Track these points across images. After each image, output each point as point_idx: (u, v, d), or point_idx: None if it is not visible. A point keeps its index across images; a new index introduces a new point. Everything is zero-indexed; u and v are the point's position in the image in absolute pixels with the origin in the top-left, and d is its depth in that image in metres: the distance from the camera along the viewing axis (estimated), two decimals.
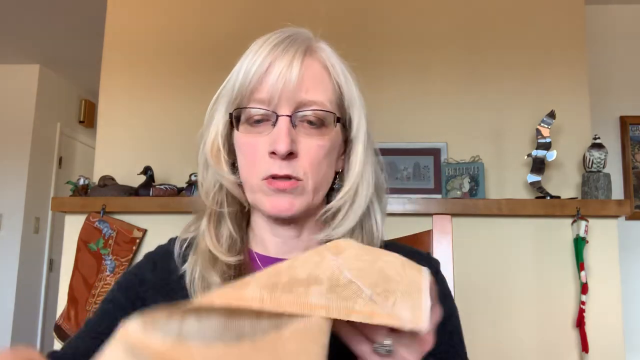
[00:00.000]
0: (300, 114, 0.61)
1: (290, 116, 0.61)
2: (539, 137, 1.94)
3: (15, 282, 3.67)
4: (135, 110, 2.21)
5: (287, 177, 0.61)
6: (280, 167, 0.60)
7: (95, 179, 2.10)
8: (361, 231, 0.66)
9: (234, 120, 0.64)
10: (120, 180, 2.08)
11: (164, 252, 0.72)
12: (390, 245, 0.70)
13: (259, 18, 2.20)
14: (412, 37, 2.20)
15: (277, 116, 0.61)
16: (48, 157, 4.08)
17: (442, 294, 0.66)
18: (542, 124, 1.95)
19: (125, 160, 2.16)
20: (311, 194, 0.63)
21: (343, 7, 2.23)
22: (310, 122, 0.62)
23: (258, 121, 0.62)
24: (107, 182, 2.02)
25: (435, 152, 2.10)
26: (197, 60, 2.21)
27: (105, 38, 2.28)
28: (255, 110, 0.62)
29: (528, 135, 2.08)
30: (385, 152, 2.19)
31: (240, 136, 0.64)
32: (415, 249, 0.71)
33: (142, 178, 2.02)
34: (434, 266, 0.68)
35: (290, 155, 0.60)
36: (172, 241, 0.73)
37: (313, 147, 0.62)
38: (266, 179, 0.61)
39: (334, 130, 0.64)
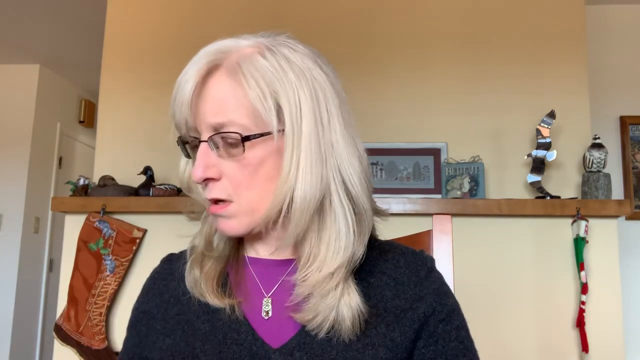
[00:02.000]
0: (216, 137, 0.60)
1: (206, 141, 0.60)
2: (539, 137, 1.94)
3: (15, 282, 3.67)
4: (135, 110, 2.21)
5: (219, 201, 0.62)
6: (208, 192, 0.62)
7: (95, 179, 2.10)
8: (321, 238, 0.60)
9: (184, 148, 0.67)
10: (120, 180, 2.08)
11: (161, 270, 0.73)
12: (384, 244, 0.70)
13: (259, 18, 2.20)
14: (412, 37, 2.20)
15: (199, 142, 0.62)
16: (48, 157, 4.08)
17: (437, 292, 0.65)
18: (542, 124, 1.95)
19: (125, 160, 2.16)
20: (250, 214, 0.61)
21: (343, 7, 2.23)
22: (229, 143, 0.60)
23: (194, 147, 0.64)
24: (107, 182, 2.02)
25: (435, 152, 2.10)
26: None
27: (105, 38, 2.28)
28: (191, 138, 0.64)
29: (528, 135, 2.08)
30: (385, 152, 2.21)
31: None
32: (409, 248, 0.70)
33: (142, 178, 2.03)
34: (427, 264, 0.67)
35: (212, 179, 0.61)
36: (169, 256, 0.75)
37: (234, 168, 0.60)
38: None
39: (258, 146, 0.59)
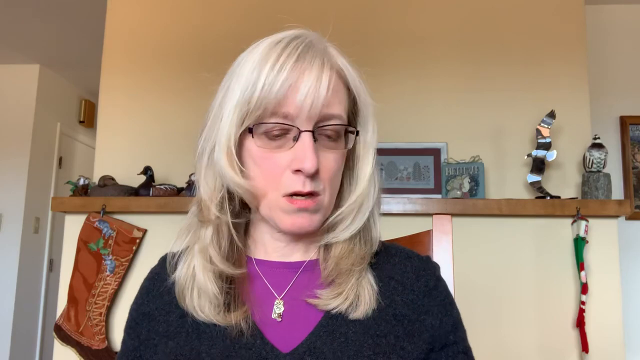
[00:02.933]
0: (320, 127, 0.60)
1: (312, 131, 0.59)
2: (539, 137, 1.94)
3: (15, 282, 3.67)
4: (135, 110, 2.21)
5: (310, 194, 0.60)
6: (305, 185, 0.59)
7: (95, 179, 2.10)
8: (361, 235, 0.66)
9: (250, 130, 0.61)
10: (120, 180, 2.08)
11: (160, 271, 0.71)
12: (390, 247, 0.70)
13: (260, 18, 2.21)
14: (412, 36, 2.20)
15: (300, 132, 0.59)
16: (48, 157, 4.08)
17: (444, 304, 0.66)
18: (542, 124, 1.95)
19: (125, 160, 2.16)
20: (328, 209, 0.63)
21: (343, 7, 2.23)
22: (328, 136, 0.61)
23: (277, 135, 0.60)
24: (107, 182, 2.02)
25: (435, 152, 2.10)
26: (198, 60, 2.21)
27: (105, 38, 2.28)
28: (273, 125, 0.59)
29: (528, 135, 2.08)
30: (385, 152, 2.20)
31: (258, 149, 0.60)
32: (414, 252, 0.70)
33: (142, 178, 2.02)
34: (435, 273, 0.67)
35: (315, 172, 0.59)
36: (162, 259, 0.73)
37: (331, 161, 0.61)
38: (286, 195, 0.60)
39: (348, 142, 0.64)
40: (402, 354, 0.60)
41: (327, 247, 0.65)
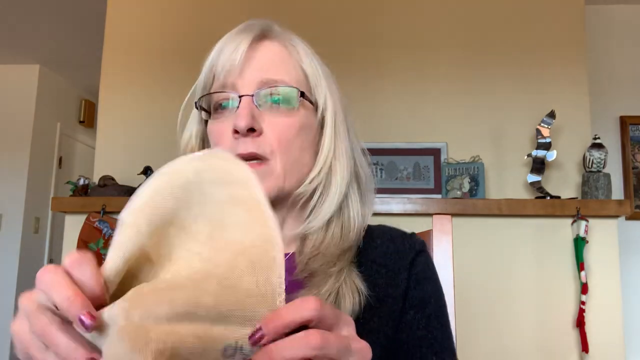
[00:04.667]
0: (263, 92, 0.60)
1: (252, 95, 0.59)
2: (539, 137, 1.94)
3: (15, 282, 3.67)
4: (135, 110, 2.21)
5: (253, 157, 0.58)
6: (245, 145, 0.58)
7: (95, 179, 2.10)
8: (339, 221, 0.63)
9: (205, 113, 0.64)
10: (120, 180, 2.08)
11: None
12: (374, 230, 0.68)
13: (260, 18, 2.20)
14: (412, 36, 2.20)
15: (240, 97, 0.60)
16: (48, 157, 4.08)
17: (417, 277, 0.63)
18: (542, 124, 1.95)
19: (125, 160, 2.16)
20: (282, 177, 0.60)
21: (343, 8, 2.23)
22: (275, 102, 0.60)
23: (224, 107, 0.61)
24: (107, 182, 2.02)
25: (435, 152, 2.10)
26: (197, 60, 2.21)
27: (105, 38, 2.28)
28: (217, 95, 0.62)
29: (528, 135, 2.08)
30: (385, 152, 2.20)
31: (209, 125, 0.63)
32: (399, 231, 0.68)
33: (142, 178, 2.02)
34: (415, 247, 0.65)
35: (254, 132, 0.58)
36: None
37: (279, 124, 0.60)
38: None
39: (302, 110, 0.62)
40: (386, 343, 0.59)
41: (304, 239, 0.63)
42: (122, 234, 0.36)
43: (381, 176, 2.10)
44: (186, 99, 0.67)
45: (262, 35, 0.63)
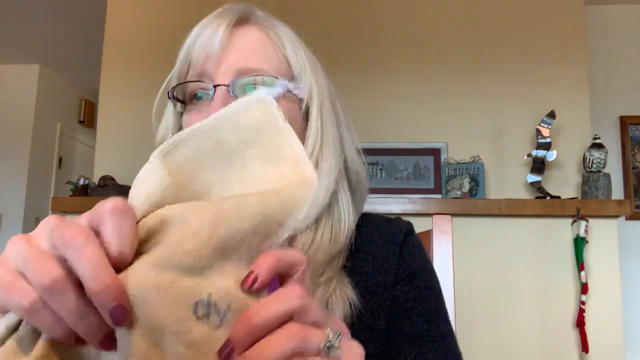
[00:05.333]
0: (240, 82, 0.55)
1: (228, 85, 0.55)
2: (539, 137, 1.94)
3: None
4: (136, 110, 2.21)
5: None
6: None
7: (95, 179, 2.10)
8: (329, 221, 0.56)
9: (180, 104, 0.60)
10: (120, 180, 2.08)
11: None
12: (362, 217, 0.64)
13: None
14: (412, 36, 2.20)
15: (215, 87, 0.55)
16: (48, 157, 4.08)
17: (402, 255, 0.59)
18: (542, 124, 1.95)
19: (125, 160, 2.16)
20: None
21: (343, 8, 2.23)
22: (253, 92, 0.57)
23: (199, 97, 0.57)
24: (107, 182, 2.02)
25: (435, 152, 2.10)
26: None
27: (105, 38, 2.28)
28: (192, 84, 0.57)
29: (528, 135, 2.08)
30: (385, 152, 2.20)
31: (184, 117, 0.59)
32: (383, 217, 0.65)
33: None
34: (403, 230, 0.62)
35: None
36: None
37: None
38: None
39: (283, 101, 0.56)
40: (379, 336, 0.56)
41: (291, 241, 0.58)
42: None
43: (381, 176, 2.10)
44: (162, 89, 0.62)
45: (242, 20, 0.59)
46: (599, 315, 1.88)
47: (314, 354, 0.30)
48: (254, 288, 0.30)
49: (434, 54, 2.18)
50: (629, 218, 2.65)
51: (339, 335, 0.31)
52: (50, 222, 0.31)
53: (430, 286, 0.60)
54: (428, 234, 0.90)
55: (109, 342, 0.29)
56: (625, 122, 2.73)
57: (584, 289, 1.84)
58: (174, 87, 0.60)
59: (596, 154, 1.93)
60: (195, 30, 0.60)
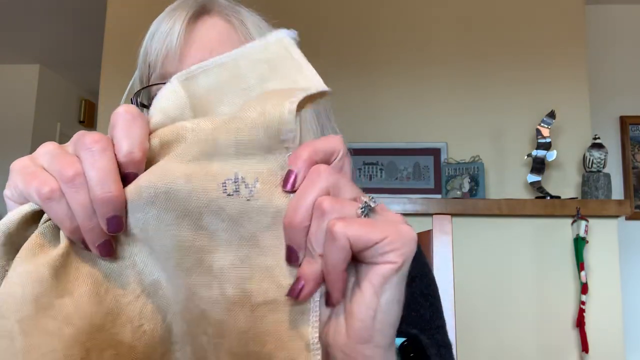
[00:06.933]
0: None
1: None
2: (539, 137, 1.94)
3: None
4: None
5: None
6: None
7: None
8: None
9: (147, 110, 0.57)
10: None
11: None
12: None
13: None
14: (412, 36, 2.20)
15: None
16: None
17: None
18: (542, 124, 1.95)
19: None
20: None
21: (343, 8, 2.23)
22: None
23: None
24: None
25: (435, 152, 2.10)
26: None
27: (105, 38, 2.28)
28: (156, 88, 0.53)
29: (528, 135, 2.08)
30: (385, 152, 2.20)
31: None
32: None
33: None
34: None
35: None
36: None
37: None
38: None
39: None
40: None
41: None
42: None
43: (381, 176, 2.10)
44: (125, 95, 0.58)
45: (202, 11, 0.55)
46: (599, 315, 1.88)
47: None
48: (296, 188, 0.29)
49: (434, 54, 2.18)
50: (629, 218, 2.65)
51: (375, 200, 0.30)
52: (78, 133, 0.32)
53: (426, 293, 0.58)
54: (428, 234, 0.90)
55: (106, 248, 0.30)
56: (625, 122, 2.73)
57: (584, 289, 1.84)
58: (137, 92, 0.56)
59: (596, 154, 1.93)
60: (152, 28, 0.55)
